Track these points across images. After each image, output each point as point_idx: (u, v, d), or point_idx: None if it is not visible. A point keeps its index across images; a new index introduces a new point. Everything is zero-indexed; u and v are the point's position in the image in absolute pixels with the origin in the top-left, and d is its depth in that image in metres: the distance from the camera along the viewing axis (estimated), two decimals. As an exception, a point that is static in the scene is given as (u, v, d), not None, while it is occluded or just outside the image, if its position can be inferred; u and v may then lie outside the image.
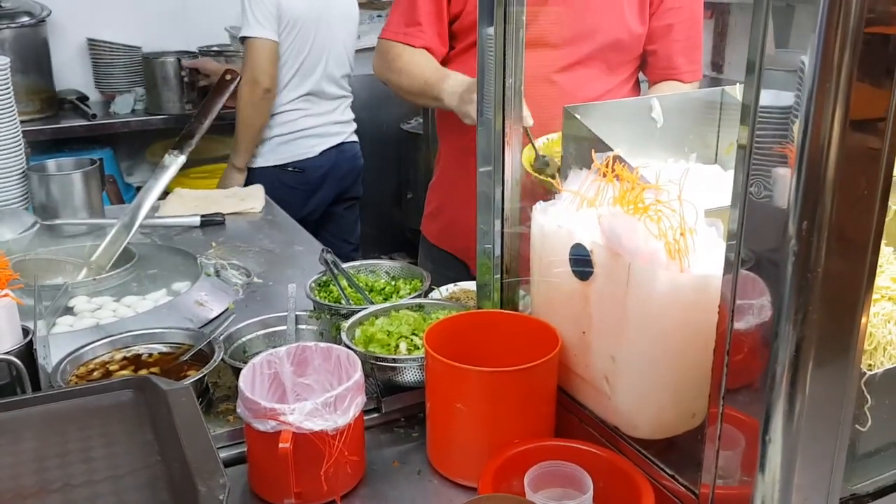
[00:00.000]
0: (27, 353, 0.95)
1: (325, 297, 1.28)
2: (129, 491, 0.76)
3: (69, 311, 1.40)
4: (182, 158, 1.69)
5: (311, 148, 2.45)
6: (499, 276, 1.12)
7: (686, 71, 1.66)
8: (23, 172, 1.85)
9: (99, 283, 1.48)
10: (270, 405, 0.87)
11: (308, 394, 1.01)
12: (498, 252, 1.11)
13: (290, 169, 2.46)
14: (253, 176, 2.42)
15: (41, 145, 2.84)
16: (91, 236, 1.75)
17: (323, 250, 1.40)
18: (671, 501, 0.82)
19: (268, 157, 2.43)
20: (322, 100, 2.49)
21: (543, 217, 0.97)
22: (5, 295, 0.90)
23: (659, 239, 0.82)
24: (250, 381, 0.95)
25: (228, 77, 1.94)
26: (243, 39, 2.33)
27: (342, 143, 2.54)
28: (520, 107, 1.07)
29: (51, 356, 1.09)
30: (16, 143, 1.85)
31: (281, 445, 0.85)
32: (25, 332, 0.96)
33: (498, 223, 1.10)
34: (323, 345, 1.01)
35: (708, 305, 0.81)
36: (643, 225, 0.83)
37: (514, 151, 1.09)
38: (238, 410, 0.91)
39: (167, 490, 0.77)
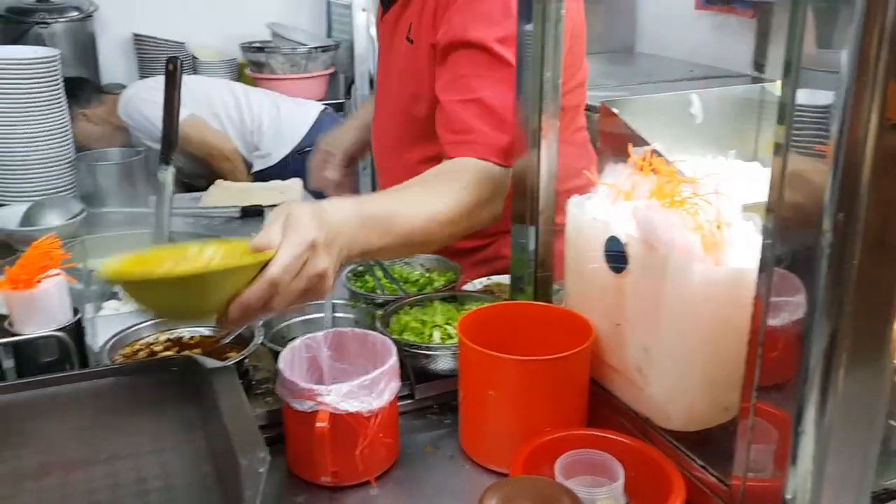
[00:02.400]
0: (76, 331, 0.98)
1: (361, 287, 1.31)
2: (172, 463, 0.79)
3: (114, 295, 1.45)
4: (172, 168, 1.67)
5: None
6: (533, 270, 1.13)
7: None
8: (71, 162, 1.91)
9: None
10: (308, 385, 0.90)
11: (344, 378, 1.04)
12: (532, 246, 1.12)
13: None
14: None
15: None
16: (135, 225, 1.80)
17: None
18: (702, 493, 0.82)
19: None
20: None
21: (578, 210, 0.98)
22: (58, 274, 0.94)
23: (695, 232, 0.82)
24: (289, 364, 0.97)
25: (171, 67, 1.81)
26: None
27: None
28: (557, 101, 1.09)
29: (97, 337, 1.12)
30: (64, 134, 1.91)
31: (318, 425, 0.87)
32: (75, 311, 0.99)
33: (533, 218, 1.11)
34: (359, 331, 1.04)
35: (743, 299, 0.81)
36: (680, 218, 0.83)
37: (551, 145, 1.10)
38: (277, 390, 0.94)
39: (210, 463, 0.79)
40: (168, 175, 1.61)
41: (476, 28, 1.20)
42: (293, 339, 1.10)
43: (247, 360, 1.12)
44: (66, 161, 1.89)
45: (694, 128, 1.15)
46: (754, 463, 0.76)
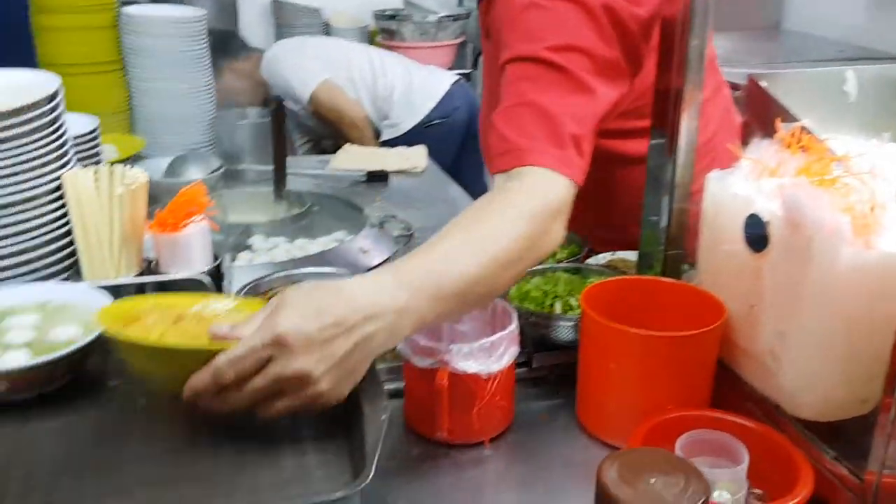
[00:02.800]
0: (216, 275, 1.04)
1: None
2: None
3: (248, 247, 1.52)
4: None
5: None
6: (663, 247, 1.10)
7: None
8: (212, 119, 2.00)
9: (275, 225, 1.59)
10: (429, 343, 0.91)
11: (463, 340, 1.05)
12: (665, 223, 1.09)
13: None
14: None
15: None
16: (269, 182, 1.88)
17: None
18: (831, 485, 0.78)
19: None
20: None
21: (718, 186, 0.94)
22: (203, 220, 0.99)
23: (845, 213, 0.78)
24: (411, 322, 0.99)
25: (275, 106, 1.70)
26: None
27: None
28: (701, 71, 1.04)
29: (232, 285, 1.18)
30: (208, 92, 2.00)
31: (437, 382, 0.89)
32: (215, 257, 1.04)
33: (667, 194, 1.08)
34: (481, 295, 1.04)
35: (892, 286, 0.76)
36: (829, 197, 0.79)
37: (691, 118, 1.06)
38: (399, 347, 0.96)
39: (334, 408, 0.82)
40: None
41: (522, 44, 1.02)
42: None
43: (369, 317, 1.15)
44: (208, 118, 1.99)
45: (846, 107, 1.08)
46: (892, 459, 0.72)
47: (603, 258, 1.29)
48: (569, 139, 0.96)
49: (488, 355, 0.91)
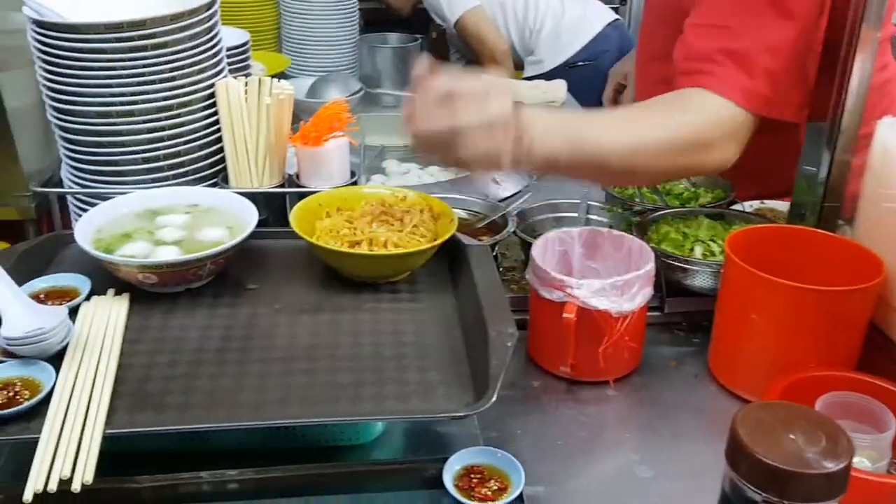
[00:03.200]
0: (352, 191, 1.05)
1: (620, 193, 1.27)
2: (425, 323, 0.83)
3: (381, 171, 1.53)
4: None
5: None
6: (820, 197, 1.02)
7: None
8: (355, 42, 2.02)
9: (410, 150, 1.59)
10: (559, 276, 0.89)
11: (594, 276, 1.02)
12: (824, 173, 1.01)
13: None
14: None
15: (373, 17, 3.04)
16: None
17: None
18: None
19: None
20: None
21: (890, 132, 0.86)
22: (343, 136, 1.00)
23: None
24: (542, 253, 0.97)
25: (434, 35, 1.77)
26: None
27: None
28: (882, 11, 0.94)
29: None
30: (352, 15, 2.01)
31: (565, 315, 0.87)
32: (352, 173, 1.06)
33: (828, 142, 1.00)
34: (616, 232, 1.01)
35: None
36: None
37: (865, 62, 0.97)
38: (527, 277, 0.95)
39: (459, 329, 0.82)
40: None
41: None
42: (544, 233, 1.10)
43: (498, 246, 1.14)
44: (351, 41, 2.01)
45: None
46: None
47: (749, 206, 1.22)
48: (757, 74, 0.97)
49: (620, 293, 0.88)
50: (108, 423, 0.66)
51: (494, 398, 0.68)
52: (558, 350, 0.90)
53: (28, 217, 1.92)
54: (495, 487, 0.70)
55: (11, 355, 0.72)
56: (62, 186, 1.02)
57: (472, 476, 0.71)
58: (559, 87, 2.04)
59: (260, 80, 1.00)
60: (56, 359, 0.73)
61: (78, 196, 1.01)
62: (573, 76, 2.31)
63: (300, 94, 1.82)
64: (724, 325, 0.92)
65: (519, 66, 2.60)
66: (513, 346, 0.74)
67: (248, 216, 0.89)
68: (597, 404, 0.90)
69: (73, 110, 0.94)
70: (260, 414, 0.69)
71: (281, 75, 1.90)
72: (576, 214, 1.23)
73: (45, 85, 0.95)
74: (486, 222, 1.20)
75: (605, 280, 0.88)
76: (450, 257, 0.94)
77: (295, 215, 0.90)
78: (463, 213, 1.23)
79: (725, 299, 0.91)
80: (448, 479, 0.70)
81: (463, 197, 1.26)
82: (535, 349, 0.97)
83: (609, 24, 2.54)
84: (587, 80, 2.33)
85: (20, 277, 0.82)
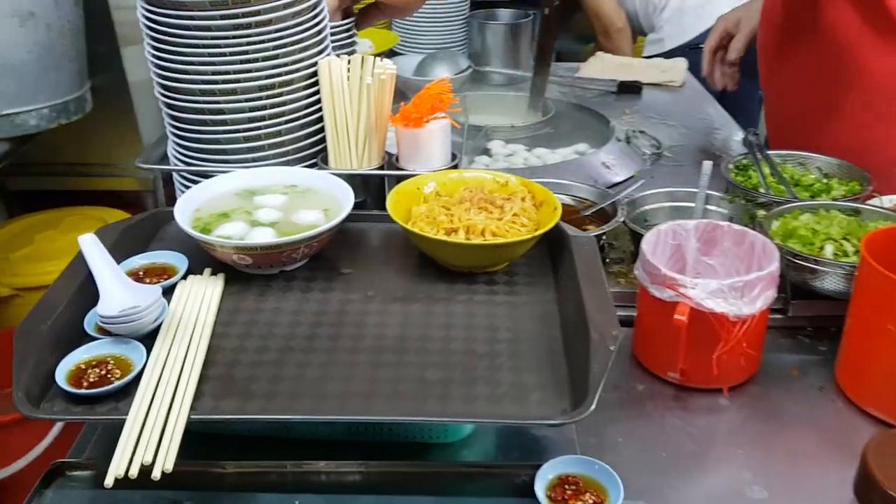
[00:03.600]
0: (453, 175, 1.01)
1: (744, 181, 1.17)
2: (522, 319, 0.78)
3: (486, 152, 1.49)
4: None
5: None
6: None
7: None
8: (465, 18, 1.97)
9: (516, 130, 1.54)
10: (672, 274, 0.82)
11: (710, 274, 0.95)
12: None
13: None
14: None
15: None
16: (513, 87, 1.83)
17: (749, 131, 1.27)
18: None
19: None
20: None
21: None
22: (445, 117, 0.96)
23: None
24: (653, 247, 0.91)
25: (547, 11, 1.60)
26: None
27: None
28: None
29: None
30: (464, -11, 1.97)
31: (676, 317, 0.80)
32: (453, 156, 1.01)
33: None
34: (737, 227, 0.93)
35: None
36: None
37: None
38: (636, 272, 0.88)
39: (559, 327, 0.77)
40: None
41: None
42: (658, 223, 1.03)
43: (605, 237, 1.08)
44: (461, 17, 1.96)
45: None
46: None
47: (890, 201, 1.10)
48: None
49: (740, 295, 0.81)
50: (193, 409, 0.65)
51: (593, 407, 0.63)
52: (667, 353, 0.83)
53: (147, 188, 2.00)
54: (591, 501, 0.65)
55: (108, 333, 0.73)
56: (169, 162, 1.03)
57: (567, 486, 0.66)
58: (679, 66, 1.93)
59: (363, 59, 0.97)
60: (150, 337, 0.73)
61: (182, 173, 1.02)
62: (694, 59, 2.19)
63: (408, 71, 1.80)
64: (856, 333, 0.83)
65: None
66: (615, 351, 0.68)
67: (345, 199, 0.87)
68: (707, 414, 0.82)
69: (177, 87, 0.94)
70: (345, 406, 0.67)
71: (390, 52, 1.88)
72: (692, 204, 1.14)
73: (151, 62, 0.95)
74: (593, 210, 1.13)
75: (722, 280, 0.81)
76: (551, 248, 0.89)
77: (392, 199, 0.87)
78: (568, 200, 1.18)
79: (859, 306, 0.82)
80: (540, 489, 0.66)
81: (569, 182, 1.20)
82: (641, 350, 0.90)
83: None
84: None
85: (122, 254, 0.83)
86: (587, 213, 1.13)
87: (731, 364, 0.83)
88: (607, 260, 1.10)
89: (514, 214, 0.86)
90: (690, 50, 2.34)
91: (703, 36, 2.35)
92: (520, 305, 0.80)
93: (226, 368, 0.71)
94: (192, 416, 0.64)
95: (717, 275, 0.94)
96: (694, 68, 1.95)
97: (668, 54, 2.32)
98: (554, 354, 0.73)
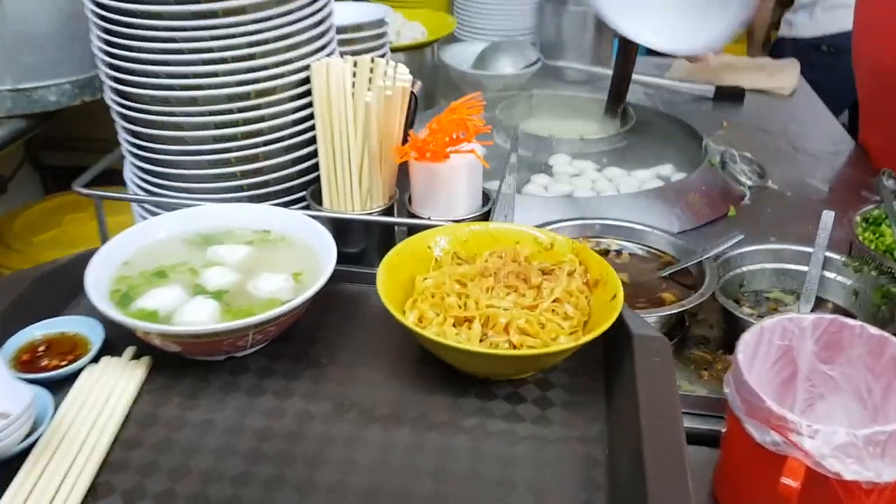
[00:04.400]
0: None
1: (874, 242, 0.88)
2: (551, 469, 0.53)
3: (547, 169, 1.22)
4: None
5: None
6: None
7: None
8: (535, 3, 1.69)
9: (586, 144, 1.27)
10: (781, 412, 0.56)
11: (830, 391, 0.68)
12: None
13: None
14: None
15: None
16: (589, 87, 1.55)
17: (883, 172, 0.98)
18: None
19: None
20: None
21: None
22: (470, 151, 0.71)
23: None
24: (751, 352, 0.64)
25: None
26: None
27: None
28: None
29: (512, 216, 0.90)
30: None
31: (783, 480, 0.54)
32: (486, 197, 0.76)
33: None
34: (874, 331, 0.65)
35: None
36: None
37: None
38: (726, 391, 0.62)
39: (604, 475, 0.52)
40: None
41: None
42: (758, 291, 0.77)
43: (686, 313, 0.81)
44: (531, 2, 1.68)
45: None
46: None
47: None
48: None
49: (881, 452, 0.54)
50: None
51: None
52: (764, 523, 0.57)
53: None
54: None
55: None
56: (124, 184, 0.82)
57: None
58: (790, 69, 1.61)
59: (373, 64, 0.73)
60: (19, 457, 0.52)
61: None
62: (813, 59, 1.86)
63: (465, 62, 1.55)
64: None
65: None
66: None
67: (325, 259, 0.63)
68: None
69: (127, 92, 0.72)
70: None
71: (449, 38, 1.62)
72: (804, 268, 0.87)
73: (100, 58, 0.74)
74: (672, 270, 0.87)
75: (857, 431, 0.54)
76: (606, 345, 0.64)
77: (384, 271, 0.62)
78: (640, 252, 0.91)
79: None
80: None
81: (645, 228, 0.93)
82: (724, 496, 0.64)
83: None
84: (825, 68, 1.85)
85: (27, 315, 0.62)
86: (664, 274, 0.87)
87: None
88: (687, 336, 0.84)
89: (556, 300, 0.61)
90: (813, 49, 2.01)
91: (829, 38, 2.01)
92: (550, 444, 0.55)
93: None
94: None
95: (841, 393, 0.67)
96: (809, 72, 1.63)
97: (791, 44, 2.00)
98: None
